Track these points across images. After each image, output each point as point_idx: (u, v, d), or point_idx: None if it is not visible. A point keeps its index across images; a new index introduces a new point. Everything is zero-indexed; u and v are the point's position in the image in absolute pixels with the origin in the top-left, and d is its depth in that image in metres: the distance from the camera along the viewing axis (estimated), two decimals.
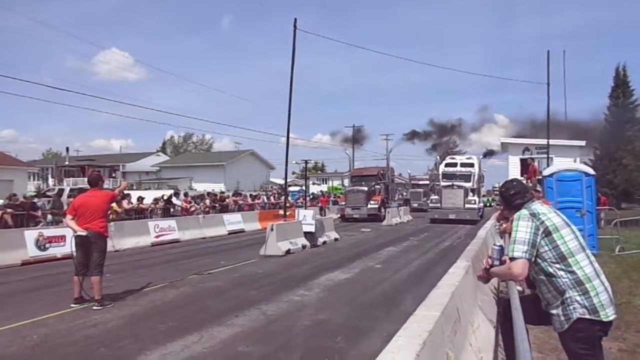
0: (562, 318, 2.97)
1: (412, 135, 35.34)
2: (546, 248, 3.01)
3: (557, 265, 2.99)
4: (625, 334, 5.24)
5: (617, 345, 4.87)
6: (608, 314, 2.92)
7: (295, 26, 15.41)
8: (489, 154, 32.95)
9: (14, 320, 6.05)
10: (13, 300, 7.46)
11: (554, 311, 3.04)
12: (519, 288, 4.43)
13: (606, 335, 3.04)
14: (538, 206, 3.22)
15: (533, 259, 3.01)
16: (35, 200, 16.84)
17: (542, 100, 20.74)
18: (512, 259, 3.02)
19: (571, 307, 2.94)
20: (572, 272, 2.97)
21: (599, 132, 30.40)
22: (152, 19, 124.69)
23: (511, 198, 3.35)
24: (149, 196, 21.79)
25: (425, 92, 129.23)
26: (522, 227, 3.04)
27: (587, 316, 2.90)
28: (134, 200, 19.30)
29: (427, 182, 38.70)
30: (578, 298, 2.93)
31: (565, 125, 25.88)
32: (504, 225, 8.12)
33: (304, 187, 38.00)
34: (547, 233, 3.02)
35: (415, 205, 36.68)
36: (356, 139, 43.74)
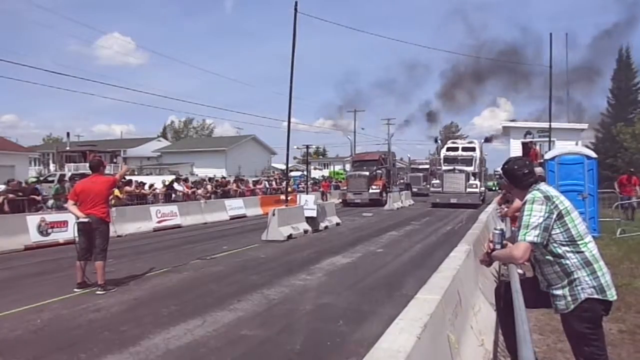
0: (569, 298, 2.97)
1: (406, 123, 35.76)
2: (558, 231, 2.99)
3: (567, 247, 2.98)
4: (625, 315, 5.26)
5: (617, 327, 4.89)
6: (613, 293, 2.97)
7: (295, 9, 15.25)
8: (488, 140, 32.82)
9: (18, 305, 6.10)
10: (16, 285, 7.51)
11: (558, 292, 3.04)
12: (520, 271, 4.45)
13: (607, 314, 3.05)
14: (550, 188, 3.18)
15: (545, 242, 2.99)
16: (37, 186, 16.88)
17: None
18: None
19: (579, 288, 2.94)
20: (581, 253, 2.98)
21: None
22: (153, 2, 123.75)
23: (524, 177, 3.24)
24: (150, 182, 21.82)
25: (428, 74, 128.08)
26: (537, 210, 2.98)
27: (595, 296, 2.92)
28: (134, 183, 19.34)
29: (427, 166, 38.50)
30: (587, 278, 2.94)
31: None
32: (505, 209, 8.14)
33: (305, 172, 37.97)
34: (560, 216, 3.00)
35: (415, 189, 36.36)
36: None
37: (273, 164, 60.47)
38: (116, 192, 15.40)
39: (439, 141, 31.78)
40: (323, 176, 48.79)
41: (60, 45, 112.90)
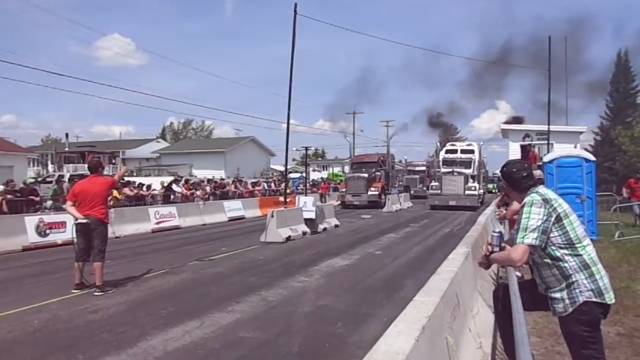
0: (567, 301, 2.97)
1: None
2: (556, 233, 2.99)
3: (565, 250, 2.98)
4: (623, 318, 5.26)
5: (615, 329, 4.90)
6: (611, 296, 2.97)
7: (295, 11, 15.27)
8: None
9: (15, 306, 6.08)
10: (14, 286, 7.49)
11: (556, 295, 3.03)
12: (518, 274, 4.45)
13: (605, 318, 3.06)
14: (548, 191, 3.18)
15: (543, 245, 2.99)
16: (35, 187, 16.85)
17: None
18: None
19: (577, 291, 2.94)
20: (579, 256, 2.98)
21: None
22: (153, 3, 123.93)
23: (523, 180, 3.25)
24: (149, 183, 21.81)
25: (426, 77, 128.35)
26: (535, 213, 2.98)
27: (593, 299, 2.92)
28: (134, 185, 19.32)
29: (424, 168, 38.39)
30: (585, 281, 2.94)
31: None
32: (504, 212, 8.13)
33: (304, 174, 37.98)
34: (559, 219, 2.99)
35: (412, 191, 36.12)
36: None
37: (272, 166, 60.50)
38: (115, 193, 15.39)
39: (438, 143, 31.71)
40: (322, 178, 48.82)
41: (60, 45, 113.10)
